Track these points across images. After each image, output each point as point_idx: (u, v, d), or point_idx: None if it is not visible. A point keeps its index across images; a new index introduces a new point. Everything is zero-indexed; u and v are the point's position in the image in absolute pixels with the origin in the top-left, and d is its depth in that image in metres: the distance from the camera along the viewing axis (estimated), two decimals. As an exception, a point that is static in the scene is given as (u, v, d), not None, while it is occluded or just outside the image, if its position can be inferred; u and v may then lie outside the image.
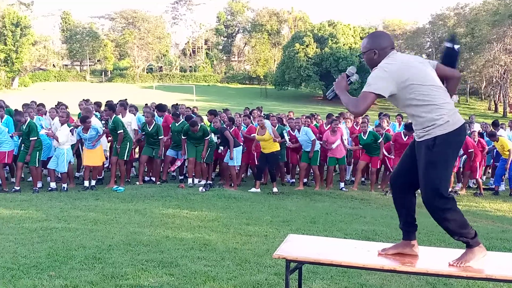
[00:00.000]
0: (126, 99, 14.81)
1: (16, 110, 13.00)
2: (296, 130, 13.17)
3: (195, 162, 12.45)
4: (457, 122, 3.81)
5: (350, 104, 3.86)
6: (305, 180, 13.68)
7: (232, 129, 12.83)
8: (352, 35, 65.24)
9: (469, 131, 14.39)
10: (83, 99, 15.58)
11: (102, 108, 14.36)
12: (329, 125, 13.53)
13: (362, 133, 13.30)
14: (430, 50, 75.31)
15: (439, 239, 7.41)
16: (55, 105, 14.17)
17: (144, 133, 12.69)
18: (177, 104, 16.53)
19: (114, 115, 12.13)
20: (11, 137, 11.78)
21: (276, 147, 12.44)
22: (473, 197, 13.52)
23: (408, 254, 4.07)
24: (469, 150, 13.67)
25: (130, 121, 12.81)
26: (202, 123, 12.79)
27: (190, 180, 12.42)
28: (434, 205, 3.80)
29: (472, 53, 61.71)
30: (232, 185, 12.69)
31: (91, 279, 5.28)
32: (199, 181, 12.50)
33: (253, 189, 12.33)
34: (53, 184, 11.72)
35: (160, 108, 14.15)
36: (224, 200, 10.74)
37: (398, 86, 3.76)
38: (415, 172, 3.97)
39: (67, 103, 14.52)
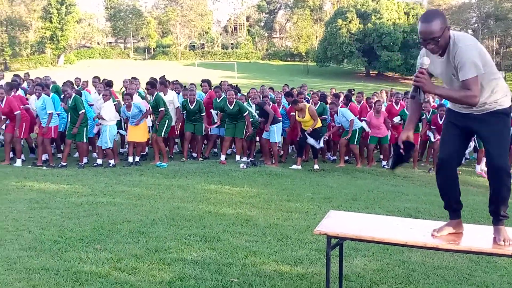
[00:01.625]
0: (164, 76, 14.88)
1: (64, 82, 13.31)
2: (335, 113, 13.03)
3: (236, 139, 12.56)
4: None
5: (467, 97, 3.61)
6: (346, 157, 13.59)
7: (271, 106, 12.81)
8: (396, 11, 63.86)
9: None
10: (132, 77, 15.63)
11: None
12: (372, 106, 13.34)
13: (406, 108, 13.09)
14: (476, 25, 73.32)
15: (482, 216, 7.30)
16: (103, 81, 14.37)
17: (185, 111, 12.77)
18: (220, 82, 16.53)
19: (156, 92, 12.24)
20: (58, 114, 11.99)
21: (318, 124, 12.37)
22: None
23: (458, 232, 4.04)
24: None
25: (172, 99, 12.88)
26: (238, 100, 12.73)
27: (222, 157, 12.40)
28: (506, 171, 3.76)
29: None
30: (274, 161, 12.70)
31: (135, 252, 5.40)
32: (240, 158, 12.56)
33: (294, 166, 12.31)
34: (99, 161, 11.96)
35: (108, 84, 13.91)
36: (265, 176, 10.77)
37: (481, 62, 3.64)
38: (463, 150, 4.09)
39: (113, 80, 14.81)
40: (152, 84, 12.51)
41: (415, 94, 3.74)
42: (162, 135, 12.25)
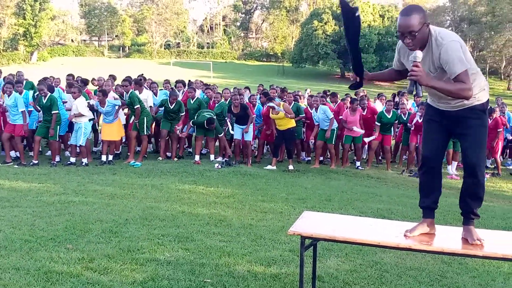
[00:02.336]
0: (142, 74, 14.85)
1: (40, 80, 13.16)
2: (314, 108, 13.11)
3: (208, 139, 12.72)
4: None
5: (462, 90, 3.59)
6: (321, 158, 13.66)
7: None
8: (371, 13, 64.26)
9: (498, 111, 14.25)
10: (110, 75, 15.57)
11: (117, 82, 14.44)
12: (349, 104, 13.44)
13: (386, 111, 13.19)
14: (450, 28, 74.12)
15: (455, 218, 7.38)
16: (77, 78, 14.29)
17: (163, 110, 12.69)
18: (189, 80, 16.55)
19: (131, 90, 12.17)
20: (29, 111, 11.83)
21: (292, 123, 12.41)
22: (490, 177, 13.41)
23: (430, 233, 4.06)
24: (498, 129, 13.52)
25: (146, 98, 12.82)
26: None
27: (197, 157, 12.37)
28: (482, 169, 3.81)
29: (493, 32, 60.71)
30: (247, 161, 12.71)
31: (107, 252, 5.34)
32: (215, 157, 12.56)
33: (269, 167, 12.33)
34: (72, 159, 11.81)
35: (84, 82, 13.85)
36: (240, 177, 10.77)
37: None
38: (445, 147, 4.13)
39: (87, 78, 14.70)
40: (129, 82, 12.46)
41: (412, 89, 3.67)
42: (145, 133, 12.21)
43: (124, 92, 12.49)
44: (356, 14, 3.89)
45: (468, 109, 3.81)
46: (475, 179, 3.83)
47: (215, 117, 12.23)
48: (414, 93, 3.65)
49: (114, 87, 13.38)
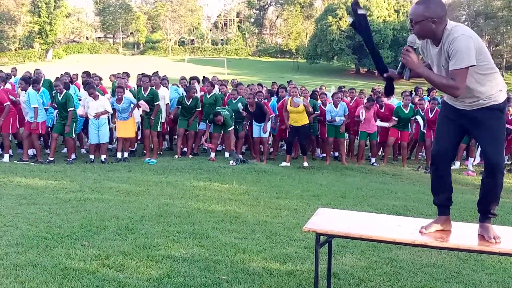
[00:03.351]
0: (157, 71, 14.91)
1: (57, 77, 13.24)
2: (333, 105, 13.04)
3: (224, 136, 12.73)
4: None
5: (448, 87, 3.58)
6: (336, 154, 13.65)
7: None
8: (386, 8, 64.00)
9: None
10: (124, 72, 15.70)
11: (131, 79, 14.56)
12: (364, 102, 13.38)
13: (403, 106, 13.08)
14: (466, 23, 73.40)
15: (471, 215, 7.32)
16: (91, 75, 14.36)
17: (180, 106, 12.74)
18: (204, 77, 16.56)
19: (150, 88, 12.20)
20: (46, 109, 11.93)
21: (306, 120, 12.37)
22: (506, 173, 13.27)
23: (446, 229, 4.04)
24: None
25: (164, 95, 12.87)
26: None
27: (212, 154, 12.44)
28: (501, 168, 3.78)
29: (509, 27, 60.22)
30: (263, 159, 12.71)
31: (123, 249, 5.37)
32: (230, 155, 12.57)
33: (283, 163, 12.32)
34: (92, 156, 11.88)
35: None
36: (255, 174, 10.77)
37: (476, 54, 3.58)
38: (457, 145, 4.13)
39: (101, 75, 14.77)
40: (149, 79, 12.53)
41: (401, 71, 3.81)
42: (158, 129, 12.30)
43: (139, 88, 12.51)
44: (359, 12, 3.89)
45: (485, 108, 3.76)
46: (494, 178, 3.80)
47: (232, 114, 12.28)
48: (403, 76, 3.79)
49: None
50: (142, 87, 12.30)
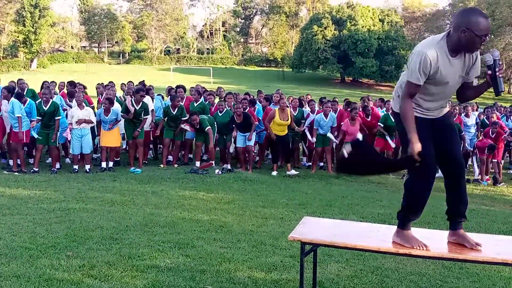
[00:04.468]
0: (143, 81, 14.90)
1: (46, 85, 13.22)
2: (322, 114, 13.06)
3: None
4: None
5: None
6: (321, 164, 13.68)
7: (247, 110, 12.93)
8: (371, 17, 64.33)
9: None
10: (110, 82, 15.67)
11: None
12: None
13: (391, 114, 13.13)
14: (450, 32, 74.14)
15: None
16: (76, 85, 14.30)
17: (166, 117, 12.71)
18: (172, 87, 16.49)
19: (142, 102, 12.11)
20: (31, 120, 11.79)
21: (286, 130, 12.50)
22: (490, 182, 13.40)
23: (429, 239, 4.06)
24: (503, 136, 13.45)
25: (148, 104, 12.84)
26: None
27: (197, 163, 12.40)
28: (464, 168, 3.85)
29: (493, 36, 60.76)
30: (248, 167, 12.71)
31: (108, 259, 5.34)
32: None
33: (274, 173, 12.37)
34: (75, 166, 11.80)
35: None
36: (240, 182, 10.76)
37: None
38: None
39: (86, 84, 14.72)
40: (143, 91, 12.52)
41: (503, 87, 3.78)
42: (142, 137, 12.28)
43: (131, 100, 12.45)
44: (345, 154, 3.97)
45: (446, 114, 3.92)
46: (463, 179, 3.86)
47: (213, 120, 12.40)
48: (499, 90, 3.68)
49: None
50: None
